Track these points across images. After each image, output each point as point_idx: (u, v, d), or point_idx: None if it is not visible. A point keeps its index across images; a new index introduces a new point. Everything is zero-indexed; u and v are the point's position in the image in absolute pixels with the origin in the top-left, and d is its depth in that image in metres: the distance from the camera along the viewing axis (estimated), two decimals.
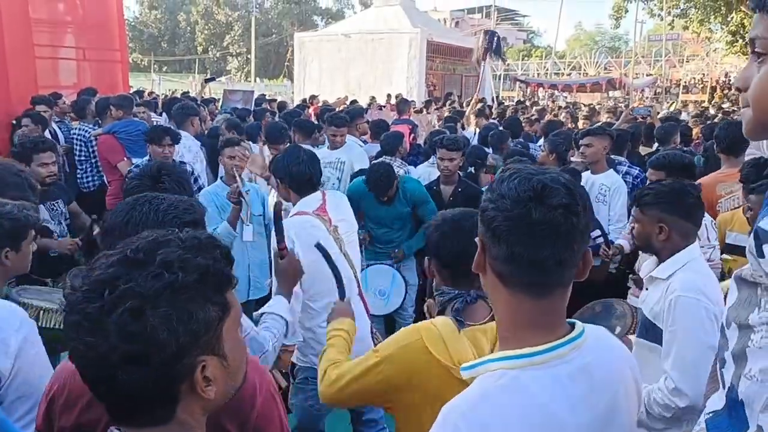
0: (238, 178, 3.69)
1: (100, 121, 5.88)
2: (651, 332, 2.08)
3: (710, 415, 0.95)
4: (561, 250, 0.98)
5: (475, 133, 7.18)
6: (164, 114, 7.14)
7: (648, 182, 3.43)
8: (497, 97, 15.25)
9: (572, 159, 5.11)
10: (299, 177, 2.62)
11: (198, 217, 1.38)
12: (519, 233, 0.97)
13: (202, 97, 10.04)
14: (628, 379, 1.11)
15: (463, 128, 8.18)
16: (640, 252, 3.71)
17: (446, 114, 9.30)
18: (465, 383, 1.04)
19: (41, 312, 2.77)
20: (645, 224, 2.14)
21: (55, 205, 3.77)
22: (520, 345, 1.01)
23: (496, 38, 12.16)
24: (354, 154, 5.10)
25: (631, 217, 3.41)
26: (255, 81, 35.76)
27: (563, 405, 0.98)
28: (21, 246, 1.96)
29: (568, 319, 1.06)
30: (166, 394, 0.85)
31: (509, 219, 0.97)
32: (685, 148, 4.82)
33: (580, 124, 8.13)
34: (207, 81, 11.08)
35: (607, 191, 4.05)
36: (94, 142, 5.58)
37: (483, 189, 4.39)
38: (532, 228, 0.96)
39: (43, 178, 3.63)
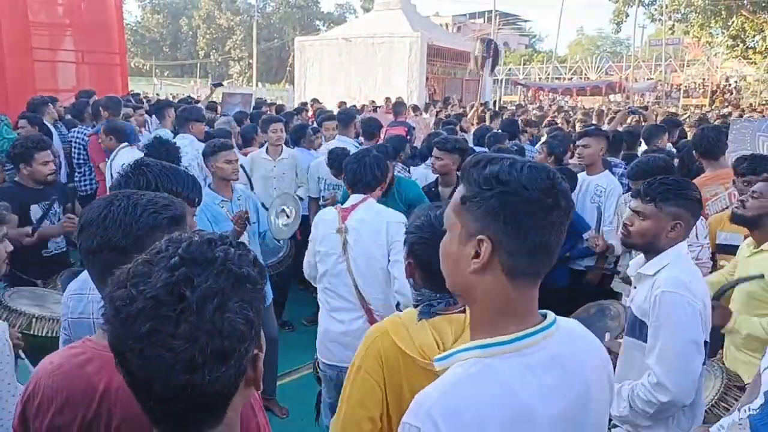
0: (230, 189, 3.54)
1: (95, 124, 5.89)
2: (639, 330, 2.07)
3: (755, 411, 0.94)
4: (562, 237, 1.01)
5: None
6: (153, 116, 7.15)
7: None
8: (495, 103, 15.29)
9: (569, 161, 5.09)
10: (349, 175, 2.88)
11: (178, 214, 1.33)
12: (545, 223, 0.97)
13: (212, 101, 10.08)
14: (601, 370, 1.11)
15: (463, 131, 8.17)
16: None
17: (441, 117, 9.28)
18: (430, 373, 1.03)
19: (34, 320, 2.73)
20: (659, 220, 2.03)
21: (49, 205, 3.75)
22: (494, 334, 1.00)
23: (493, 46, 12.17)
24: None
25: (618, 215, 3.36)
26: (257, 85, 35.85)
27: (534, 394, 0.98)
28: None
29: (541, 311, 1.06)
30: (233, 390, 0.84)
31: (540, 209, 0.96)
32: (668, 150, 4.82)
33: (578, 127, 8.12)
34: (215, 86, 11.14)
35: (603, 192, 4.03)
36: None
37: None
38: (554, 216, 0.97)
39: (45, 177, 3.66)
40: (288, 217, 4.01)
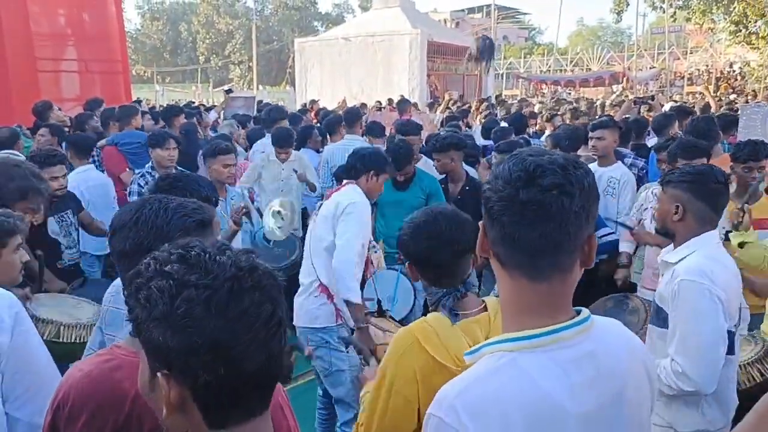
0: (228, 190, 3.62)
1: (104, 133, 5.91)
2: (659, 317, 2.07)
3: None
4: (552, 232, 0.95)
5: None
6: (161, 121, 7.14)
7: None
8: (496, 98, 15.28)
9: (580, 153, 5.04)
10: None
11: (207, 218, 1.37)
12: (509, 213, 0.96)
13: (223, 108, 10.18)
14: (640, 373, 1.07)
15: (469, 127, 8.17)
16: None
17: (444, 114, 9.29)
18: None
19: (62, 327, 2.73)
20: (664, 203, 2.12)
21: (65, 216, 3.76)
22: (520, 328, 0.99)
23: (488, 42, 12.19)
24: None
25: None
26: (258, 89, 35.87)
27: (563, 391, 0.96)
28: (1, 254, 1.93)
29: (575, 307, 1.03)
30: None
31: (501, 199, 0.96)
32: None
33: (579, 120, 8.08)
34: (227, 92, 11.34)
35: (617, 184, 3.98)
36: (91, 160, 5.60)
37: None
38: (520, 209, 0.95)
39: (54, 191, 3.62)
40: (283, 219, 4.01)
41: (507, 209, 0.96)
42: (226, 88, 12.64)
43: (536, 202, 0.94)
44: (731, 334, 1.97)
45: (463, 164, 4.29)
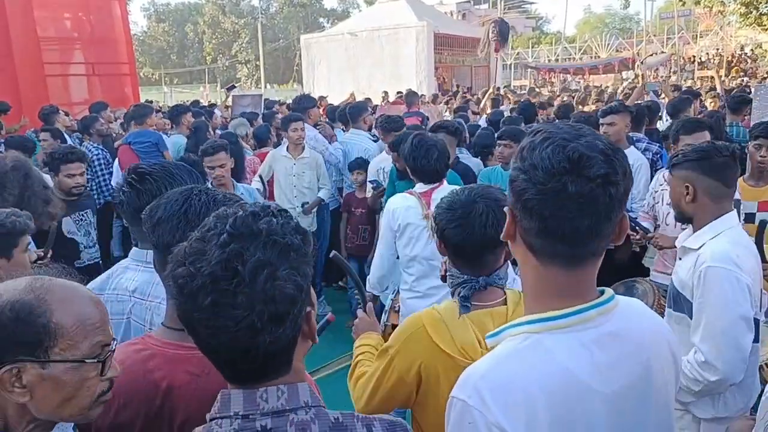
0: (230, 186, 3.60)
1: (118, 133, 6.00)
2: (678, 303, 2.02)
3: None
4: (599, 223, 0.92)
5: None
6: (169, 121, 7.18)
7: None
8: (508, 86, 15.19)
9: None
10: (423, 169, 2.89)
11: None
12: (553, 207, 0.90)
13: (227, 105, 10.15)
14: (665, 353, 1.06)
15: (476, 114, 8.14)
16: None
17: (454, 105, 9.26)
18: None
19: None
20: (675, 187, 2.06)
21: (83, 215, 3.76)
22: (545, 309, 0.97)
23: (505, 27, 12.07)
24: (360, 146, 5.28)
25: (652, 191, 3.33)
26: (265, 87, 35.95)
27: (589, 370, 0.94)
28: (12, 254, 1.93)
29: (598, 287, 1.01)
30: (293, 344, 0.95)
31: (542, 192, 0.90)
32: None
33: (591, 107, 8.03)
34: (229, 90, 11.25)
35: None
36: (96, 162, 5.69)
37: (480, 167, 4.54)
38: (567, 202, 0.90)
39: (69, 189, 3.60)
40: None
41: (549, 202, 0.90)
42: (228, 86, 12.55)
43: (585, 195, 0.89)
44: (756, 322, 1.91)
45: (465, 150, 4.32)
